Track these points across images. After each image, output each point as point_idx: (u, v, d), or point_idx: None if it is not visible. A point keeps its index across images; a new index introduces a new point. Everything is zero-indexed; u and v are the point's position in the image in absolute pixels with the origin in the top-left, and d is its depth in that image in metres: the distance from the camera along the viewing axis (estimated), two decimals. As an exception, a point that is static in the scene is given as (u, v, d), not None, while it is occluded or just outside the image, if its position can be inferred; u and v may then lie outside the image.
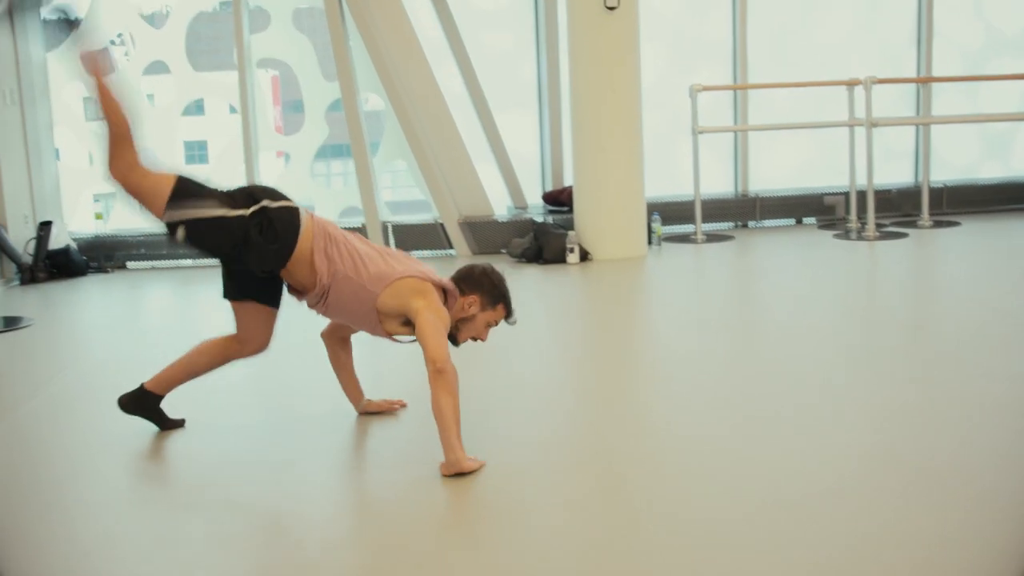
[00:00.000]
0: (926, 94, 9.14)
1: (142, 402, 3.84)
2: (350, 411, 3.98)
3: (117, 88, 3.51)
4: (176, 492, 3.41)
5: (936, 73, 9.13)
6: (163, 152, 8.47)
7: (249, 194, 3.58)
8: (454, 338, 3.63)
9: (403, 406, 4.07)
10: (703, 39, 9.08)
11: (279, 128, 8.81)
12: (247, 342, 3.75)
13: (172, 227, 3.47)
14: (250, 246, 3.49)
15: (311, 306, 3.69)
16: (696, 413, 3.86)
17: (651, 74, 7.93)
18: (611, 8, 7.10)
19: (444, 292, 3.61)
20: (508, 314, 3.69)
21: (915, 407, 3.81)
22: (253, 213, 3.49)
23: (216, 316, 4.34)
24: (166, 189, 3.46)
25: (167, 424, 3.89)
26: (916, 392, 3.99)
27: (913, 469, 3.18)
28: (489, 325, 3.68)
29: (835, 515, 2.87)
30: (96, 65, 3.49)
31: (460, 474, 3.28)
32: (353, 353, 3.98)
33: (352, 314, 3.67)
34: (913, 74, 9.25)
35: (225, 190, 3.59)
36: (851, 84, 8.20)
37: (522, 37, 8.87)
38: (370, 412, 4.02)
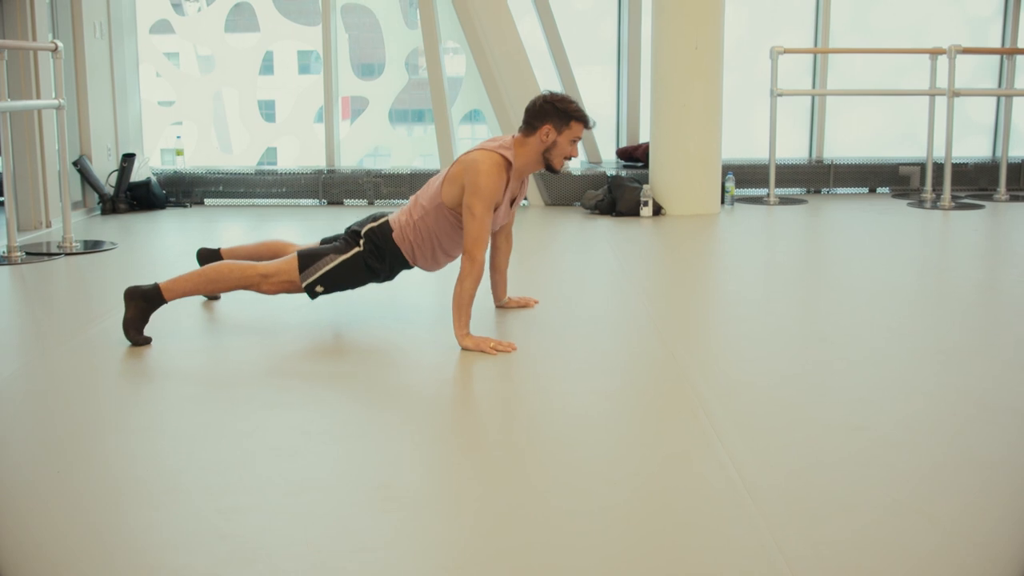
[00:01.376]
0: (1010, 66, 9.03)
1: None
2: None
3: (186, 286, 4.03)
4: (237, 399, 3.54)
5: (1022, 44, 9.00)
6: (240, 110, 8.62)
7: (355, 232, 4.10)
8: (551, 167, 3.94)
9: (536, 303, 4.51)
10: (785, 2, 9.03)
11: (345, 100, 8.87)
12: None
13: (310, 288, 4.04)
14: (375, 271, 4.09)
15: (432, 262, 4.14)
16: (766, 356, 3.85)
17: (732, 36, 7.91)
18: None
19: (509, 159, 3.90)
20: (585, 124, 3.93)
21: (980, 352, 3.87)
22: (365, 243, 4.04)
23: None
24: (294, 268, 4.03)
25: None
26: (981, 338, 4.06)
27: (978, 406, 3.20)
28: (573, 141, 3.94)
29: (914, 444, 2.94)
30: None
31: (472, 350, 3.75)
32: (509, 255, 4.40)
33: (451, 234, 4.02)
34: (997, 45, 9.14)
35: (336, 238, 4.17)
36: (935, 53, 8.10)
37: (603, -7, 8.90)
38: (508, 307, 4.47)
